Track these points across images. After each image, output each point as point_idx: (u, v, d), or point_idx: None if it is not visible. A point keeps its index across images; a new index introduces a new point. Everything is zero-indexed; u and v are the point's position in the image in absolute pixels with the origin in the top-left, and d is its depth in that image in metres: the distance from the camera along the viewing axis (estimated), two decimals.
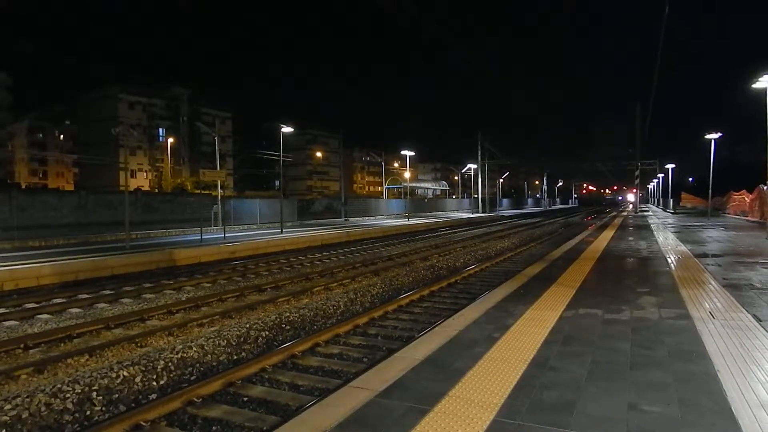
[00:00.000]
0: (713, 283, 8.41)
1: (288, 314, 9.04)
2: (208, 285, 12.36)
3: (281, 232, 23.61)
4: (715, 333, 5.27)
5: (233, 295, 10.78)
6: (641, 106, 47.94)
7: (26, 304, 10.13)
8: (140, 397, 5.65)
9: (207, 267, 15.23)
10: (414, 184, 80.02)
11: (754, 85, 17.06)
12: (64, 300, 10.53)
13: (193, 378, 6.21)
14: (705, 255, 12.49)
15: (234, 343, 7.43)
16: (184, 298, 10.62)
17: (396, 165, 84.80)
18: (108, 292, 11.33)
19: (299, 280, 12.76)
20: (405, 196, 53.17)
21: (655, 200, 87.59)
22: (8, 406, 5.11)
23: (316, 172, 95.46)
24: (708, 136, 31.00)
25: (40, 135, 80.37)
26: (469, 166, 64.09)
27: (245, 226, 28.29)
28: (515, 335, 5.33)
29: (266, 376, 6.10)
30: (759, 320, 5.81)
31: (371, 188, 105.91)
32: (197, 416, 5.04)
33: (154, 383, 5.98)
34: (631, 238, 18.11)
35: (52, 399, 5.32)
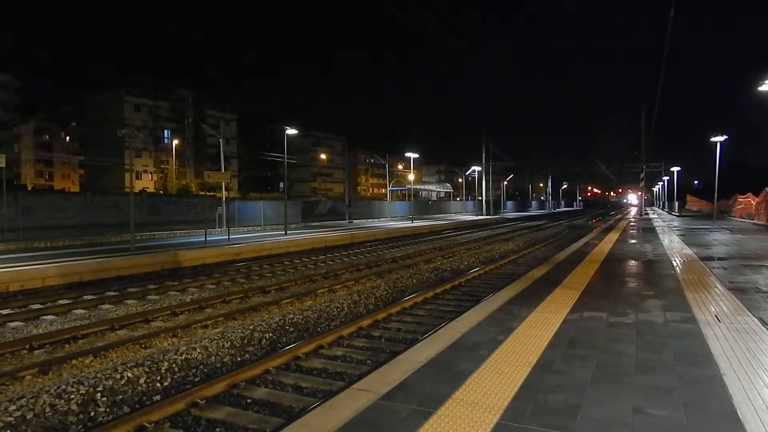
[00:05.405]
0: (719, 286, 8.36)
1: (292, 316, 9.04)
2: (212, 286, 12.38)
3: (285, 234, 23.65)
4: (721, 336, 5.24)
5: (237, 296, 10.80)
6: (646, 108, 47.62)
7: (31, 305, 10.17)
8: (144, 398, 5.66)
9: (211, 268, 15.26)
10: (418, 186, 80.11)
11: (760, 88, 16.99)
12: (69, 301, 10.57)
13: (197, 379, 6.22)
14: (711, 258, 12.42)
15: (238, 345, 7.44)
16: (188, 300, 10.64)
17: (400, 167, 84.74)
18: (113, 293, 11.37)
19: (303, 282, 12.77)
20: (409, 198, 53.22)
21: (661, 203, 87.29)
22: (13, 407, 5.13)
23: (320, 174, 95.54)
24: (713, 139, 30.84)
25: (47, 136, 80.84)
26: (473, 168, 63.97)
27: (249, 228, 28.35)
28: (519, 338, 5.31)
29: (270, 378, 6.10)
30: (765, 324, 5.77)
31: (375, 190, 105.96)
32: (201, 418, 5.05)
33: (158, 384, 5.99)
34: (635, 241, 18.04)
35: (57, 400, 5.33)
